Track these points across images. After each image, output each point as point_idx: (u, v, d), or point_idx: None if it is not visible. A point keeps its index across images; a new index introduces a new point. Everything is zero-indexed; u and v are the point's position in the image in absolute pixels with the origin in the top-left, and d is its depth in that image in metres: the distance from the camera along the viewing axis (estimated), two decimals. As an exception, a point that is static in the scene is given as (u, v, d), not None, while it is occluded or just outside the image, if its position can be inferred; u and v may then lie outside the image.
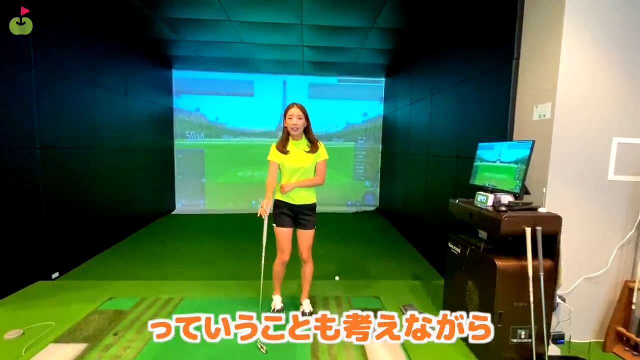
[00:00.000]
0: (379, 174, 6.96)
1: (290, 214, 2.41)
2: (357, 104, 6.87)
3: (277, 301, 2.59)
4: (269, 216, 2.31)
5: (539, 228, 1.85)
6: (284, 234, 2.42)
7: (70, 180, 3.48)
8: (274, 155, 2.38)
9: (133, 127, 4.86)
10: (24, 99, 2.91)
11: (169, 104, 6.33)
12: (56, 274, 3.23)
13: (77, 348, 2.11)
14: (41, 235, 3.10)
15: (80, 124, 3.64)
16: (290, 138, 2.38)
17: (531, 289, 1.83)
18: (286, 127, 2.34)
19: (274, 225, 2.42)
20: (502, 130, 2.49)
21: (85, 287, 3.00)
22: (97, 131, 3.96)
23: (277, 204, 2.42)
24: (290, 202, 2.39)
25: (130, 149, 4.78)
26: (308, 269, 2.54)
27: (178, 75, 6.47)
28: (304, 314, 2.44)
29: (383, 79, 6.73)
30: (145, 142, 5.33)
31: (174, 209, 6.58)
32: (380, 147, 6.90)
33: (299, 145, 2.38)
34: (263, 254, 2.33)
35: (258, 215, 2.27)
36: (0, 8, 2.67)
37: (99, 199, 4.00)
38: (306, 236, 2.45)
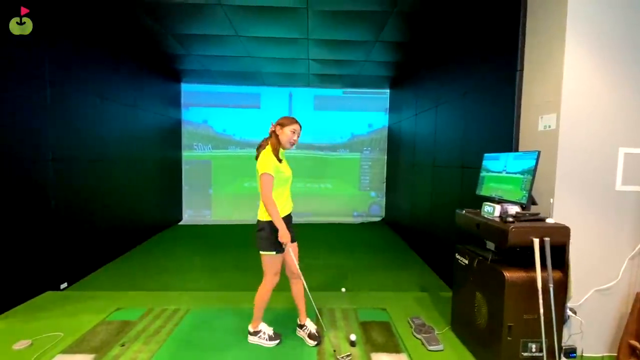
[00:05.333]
0: (385, 184, 6.96)
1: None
2: (362, 115, 6.94)
3: (268, 328, 2.39)
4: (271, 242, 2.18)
5: (547, 239, 1.84)
6: (294, 253, 2.31)
7: (79, 191, 3.55)
8: (273, 166, 2.14)
9: (142, 139, 4.96)
10: (38, 113, 3.01)
11: (177, 116, 6.46)
12: (65, 285, 3.26)
13: (85, 359, 2.12)
14: (50, 246, 3.14)
15: (91, 136, 3.73)
16: (281, 148, 2.27)
17: (541, 301, 1.81)
18: (278, 138, 2.21)
19: (274, 253, 2.20)
20: (508, 141, 2.50)
21: (93, 297, 3.02)
22: (108, 143, 4.05)
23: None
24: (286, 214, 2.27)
25: (139, 161, 4.86)
26: (301, 286, 2.36)
27: (187, 88, 6.63)
28: (311, 336, 2.34)
29: (388, 91, 6.80)
30: (154, 153, 5.42)
31: (181, 219, 6.63)
32: (386, 157, 6.92)
33: (283, 155, 2.31)
34: (305, 283, 2.30)
35: (284, 246, 2.17)
36: (3, 12, 2.66)
37: (107, 210, 4.06)
38: (296, 248, 2.36)
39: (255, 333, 2.35)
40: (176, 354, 2.21)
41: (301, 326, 2.43)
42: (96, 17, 3.62)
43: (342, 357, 2.15)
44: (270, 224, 2.14)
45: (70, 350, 2.21)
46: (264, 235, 2.18)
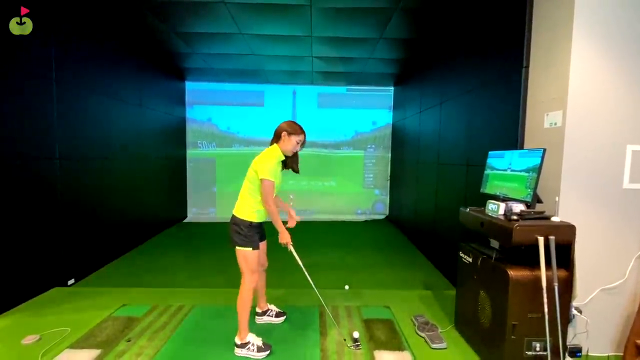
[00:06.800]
0: (389, 182, 6.95)
1: (260, 231, 2.36)
2: (366, 113, 6.91)
3: (256, 339, 2.22)
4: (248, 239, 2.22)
5: (552, 237, 1.82)
6: (263, 250, 2.42)
7: (86, 189, 3.59)
8: (274, 172, 2.22)
9: (147, 137, 5.00)
10: (45, 112, 3.04)
11: (182, 115, 6.49)
12: (72, 281, 3.30)
13: (92, 354, 2.15)
14: (58, 243, 3.19)
15: (97, 135, 3.77)
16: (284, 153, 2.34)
17: (545, 300, 1.80)
18: (282, 146, 2.29)
19: (251, 249, 2.19)
20: (513, 139, 2.47)
21: (100, 293, 3.06)
22: (113, 142, 4.09)
23: (255, 225, 2.24)
24: (263, 221, 2.35)
25: (144, 159, 4.90)
26: (264, 275, 2.54)
27: (191, 87, 6.65)
28: (278, 314, 2.60)
29: (392, 88, 6.77)
30: (159, 151, 5.46)
31: (185, 217, 6.68)
32: (390, 155, 6.90)
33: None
34: (309, 278, 2.44)
35: (289, 250, 2.29)
36: (4, 12, 2.65)
37: (114, 208, 4.10)
38: (265, 246, 2.46)
39: (243, 345, 2.16)
40: (181, 350, 2.23)
41: (264, 312, 2.59)
42: (101, 16, 3.64)
43: (353, 346, 2.22)
44: (252, 223, 2.22)
45: (78, 345, 2.24)
46: (240, 230, 2.19)
